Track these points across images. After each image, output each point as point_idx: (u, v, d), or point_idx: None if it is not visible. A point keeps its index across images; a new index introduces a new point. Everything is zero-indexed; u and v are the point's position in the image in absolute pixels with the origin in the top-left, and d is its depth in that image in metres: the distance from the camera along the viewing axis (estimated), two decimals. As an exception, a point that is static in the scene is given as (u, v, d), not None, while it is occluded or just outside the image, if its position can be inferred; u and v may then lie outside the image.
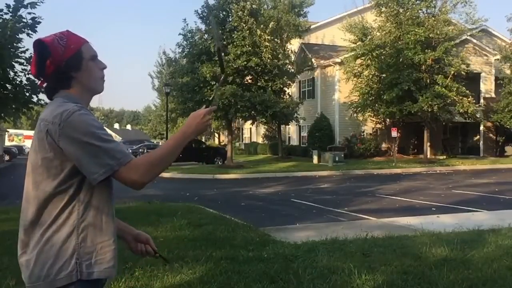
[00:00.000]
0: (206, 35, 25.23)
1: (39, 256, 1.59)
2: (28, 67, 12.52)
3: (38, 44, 1.69)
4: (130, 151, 39.19)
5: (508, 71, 29.04)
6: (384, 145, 31.11)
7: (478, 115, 29.32)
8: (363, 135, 31.25)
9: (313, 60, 31.80)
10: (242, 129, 47.09)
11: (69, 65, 1.67)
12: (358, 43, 27.21)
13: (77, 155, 1.56)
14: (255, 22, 24.40)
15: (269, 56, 24.64)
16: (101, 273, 1.64)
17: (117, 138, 54.94)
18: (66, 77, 1.69)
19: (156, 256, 2.07)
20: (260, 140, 41.79)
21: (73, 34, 1.73)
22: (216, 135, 51.32)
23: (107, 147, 1.57)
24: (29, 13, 12.42)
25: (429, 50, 24.98)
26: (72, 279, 1.58)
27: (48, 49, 1.66)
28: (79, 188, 1.62)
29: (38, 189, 1.62)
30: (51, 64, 1.66)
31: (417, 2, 25.80)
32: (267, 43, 24.88)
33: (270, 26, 26.47)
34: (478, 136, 32.28)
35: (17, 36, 12.58)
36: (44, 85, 1.73)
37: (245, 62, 23.85)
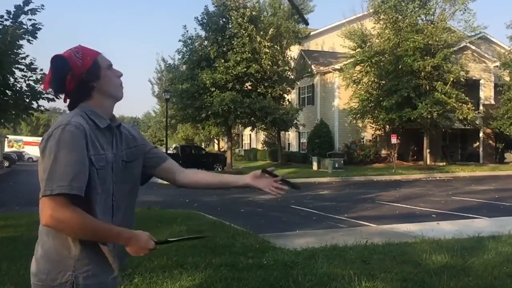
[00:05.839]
0: (205, 42, 25.33)
1: (40, 260, 1.64)
2: (28, 73, 12.50)
3: (57, 59, 1.68)
4: None
5: (507, 78, 29.09)
6: (383, 152, 31.10)
7: (477, 122, 29.39)
8: (363, 141, 31.24)
9: (312, 66, 31.87)
10: (242, 136, 47.10)
11: (89, 75, 1.69)
12: (357, 50, 27.28)
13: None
14: (254, 29, 24.50)
15: (269, 62, 24.72)
16: (98, 285, 1.64)
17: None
18: (88, 87, 1.70)
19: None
20: (259, 147, 41.77)
21: (86, 48, 1.76)
22: (216, 141, 51.31)
23: (53, 171, 1.52)
24: (30, 19, 12.41)
25: (428, 57, 25.06)
26: None
27: (68, 63, 1.66)
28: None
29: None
30: (72, 78, 1.67)
31: (416, 9, 25.89)
32: (266, 50, 24.97)
33: (269, 32, 26.59)
34: (477, 143, 32.33)
35: (18, 43, 12.57)
36: (67, 101, 1.72)
37: (245, 69, 23.91)
